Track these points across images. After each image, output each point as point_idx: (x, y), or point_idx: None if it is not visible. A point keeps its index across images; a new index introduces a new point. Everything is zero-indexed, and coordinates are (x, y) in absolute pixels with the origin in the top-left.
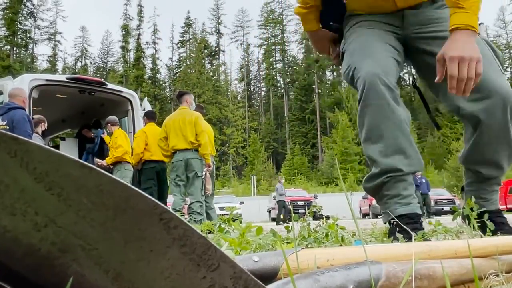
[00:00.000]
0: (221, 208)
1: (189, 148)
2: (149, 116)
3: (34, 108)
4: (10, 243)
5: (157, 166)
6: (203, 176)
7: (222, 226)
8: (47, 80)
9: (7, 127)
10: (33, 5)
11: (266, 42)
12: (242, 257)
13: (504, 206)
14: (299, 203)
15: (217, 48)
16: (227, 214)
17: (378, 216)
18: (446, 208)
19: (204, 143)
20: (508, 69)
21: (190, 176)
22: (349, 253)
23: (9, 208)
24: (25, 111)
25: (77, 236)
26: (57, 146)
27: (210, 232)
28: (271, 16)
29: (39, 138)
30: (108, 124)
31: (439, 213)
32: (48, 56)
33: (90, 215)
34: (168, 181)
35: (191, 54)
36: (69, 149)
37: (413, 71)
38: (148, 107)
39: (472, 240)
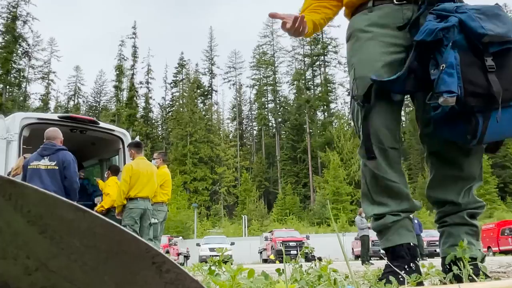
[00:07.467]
0: (211, 249)
1: (149, 197)
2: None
3: (25, 147)
4: None
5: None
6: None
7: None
8: (38, 118)
9: (56, 167)
10: (28, 45)
11: (258, 83)
12: None
13: (497, 248)
14: (290, 243)
15: (210, 88)
16: (217, 256)
17: (371, 258)
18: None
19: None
20: None
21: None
22: None
23: (0, 252)
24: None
25: (67, 280)
26: None
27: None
28: (263, 58)
29: None
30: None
31: (432, 255)
32: (41, 95)
33: (82, 258)
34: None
35: (184, 93)
36: None
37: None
38: None
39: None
